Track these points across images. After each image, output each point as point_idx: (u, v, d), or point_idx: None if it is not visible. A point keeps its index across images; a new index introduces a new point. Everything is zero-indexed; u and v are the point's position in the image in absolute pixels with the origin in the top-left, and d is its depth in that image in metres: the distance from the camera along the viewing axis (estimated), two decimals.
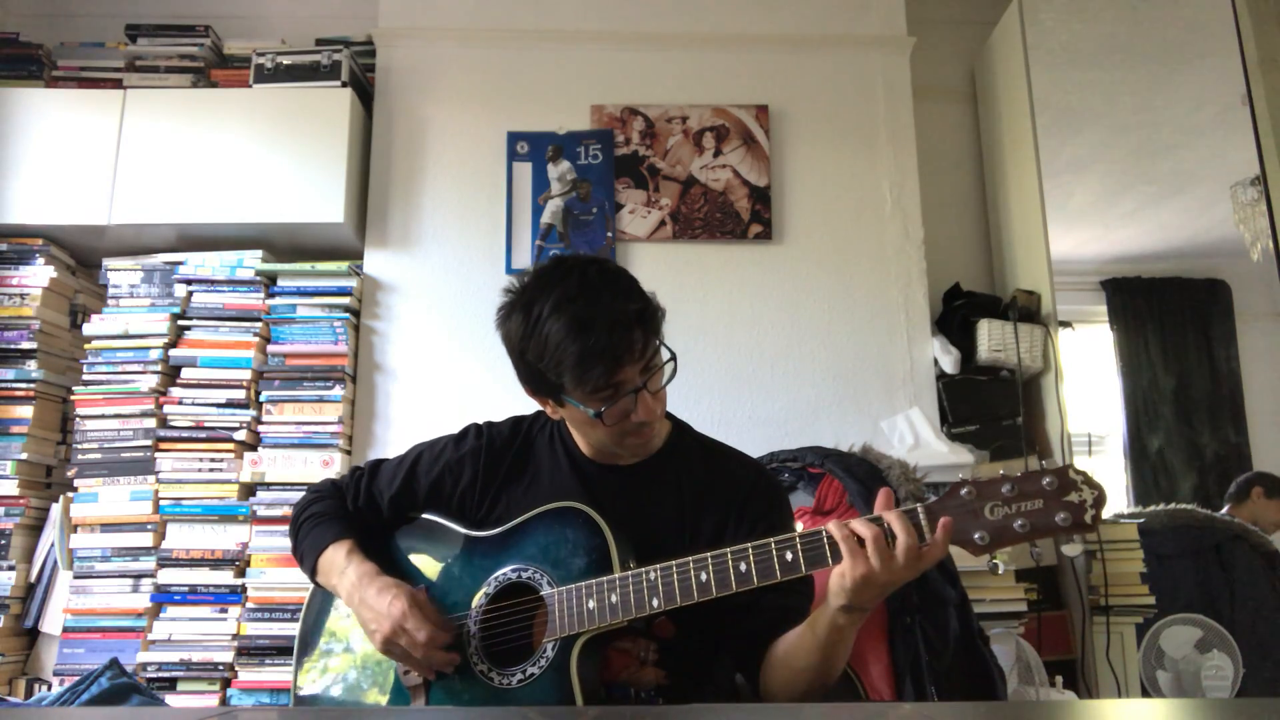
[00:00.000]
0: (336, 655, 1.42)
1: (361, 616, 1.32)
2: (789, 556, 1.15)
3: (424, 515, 1.45)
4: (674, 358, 1.29)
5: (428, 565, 1.39)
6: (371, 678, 1.37)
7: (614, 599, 1.21)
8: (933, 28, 3.18)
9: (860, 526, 1.11)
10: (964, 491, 1.12)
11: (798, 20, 2.99)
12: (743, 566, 1.16)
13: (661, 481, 1.38)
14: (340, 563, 1.36)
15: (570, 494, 1.33)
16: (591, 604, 1.22)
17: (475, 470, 1.42)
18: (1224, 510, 2.73)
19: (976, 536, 1.10)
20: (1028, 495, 1.10)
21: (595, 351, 1.20)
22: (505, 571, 1.31)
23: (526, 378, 1.32)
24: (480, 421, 1.48)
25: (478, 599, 1.32)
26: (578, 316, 1.21)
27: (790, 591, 1.25)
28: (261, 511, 2.48)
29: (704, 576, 1.18)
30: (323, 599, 1.47)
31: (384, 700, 1.35)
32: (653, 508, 1.36)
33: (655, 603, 1.19)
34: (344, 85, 2.76)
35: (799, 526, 1.36)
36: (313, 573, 1.43)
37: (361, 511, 1.46)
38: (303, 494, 1.52)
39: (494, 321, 1.33)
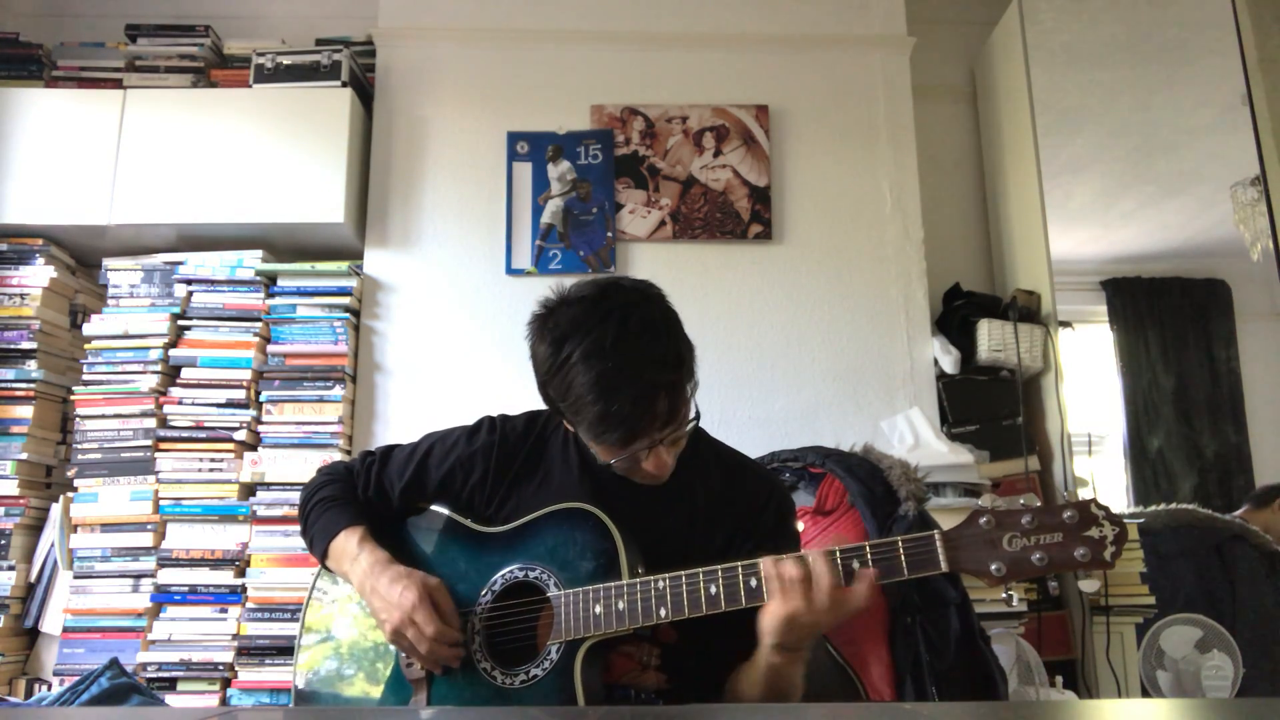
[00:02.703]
0: (339, 644, 1.42)
1: (372, 605, 1.32)
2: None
3: (433, 507, 1.44)
4: (699, 416, 1.27)
5: (435, 558, 1.39)
6: (373, 668, 1.37)
7: (621, 606, 1.20)
8: (933, 28, 3.18)
9: (788, 566, 1.12)
10: (982, 521, 1.10)
11: (798, 20, 2.99)
12: (753, 582, 1.15)
13: (674, 490, 1.36)
14: (352, 550, 1.36)
15: (580, 497, 1.32)
16: (598, 609, 1.21)
17: (486, 467, 1.41)
18: (1239, 512, 2.72)
19: (993, 568, 1.08)
20: (1047, 528, 1.08)
21: (616, 417, 1.18)
22: (512, 570, 1.31)
23: (545, 400, 1.32)
24: (495, 415, 1.47)
25: (483, 595, 1.31)
26: (605, 376, 1.17)
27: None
28: (261, 511, 2.48)
29: (714, 589, 1.16)
30: (328, 586, 1.47)
31: (383, 690, 1.35)
32: (664, 516, 1.34)
33: (663, 612, 1.18)
34: (344, 85, 2.76)
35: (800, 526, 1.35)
36: (323, 557, 1.43)
37: (371, 500, 1.46)
38: (313, 475, 1.51)
39: (525, 327, 1.30)
